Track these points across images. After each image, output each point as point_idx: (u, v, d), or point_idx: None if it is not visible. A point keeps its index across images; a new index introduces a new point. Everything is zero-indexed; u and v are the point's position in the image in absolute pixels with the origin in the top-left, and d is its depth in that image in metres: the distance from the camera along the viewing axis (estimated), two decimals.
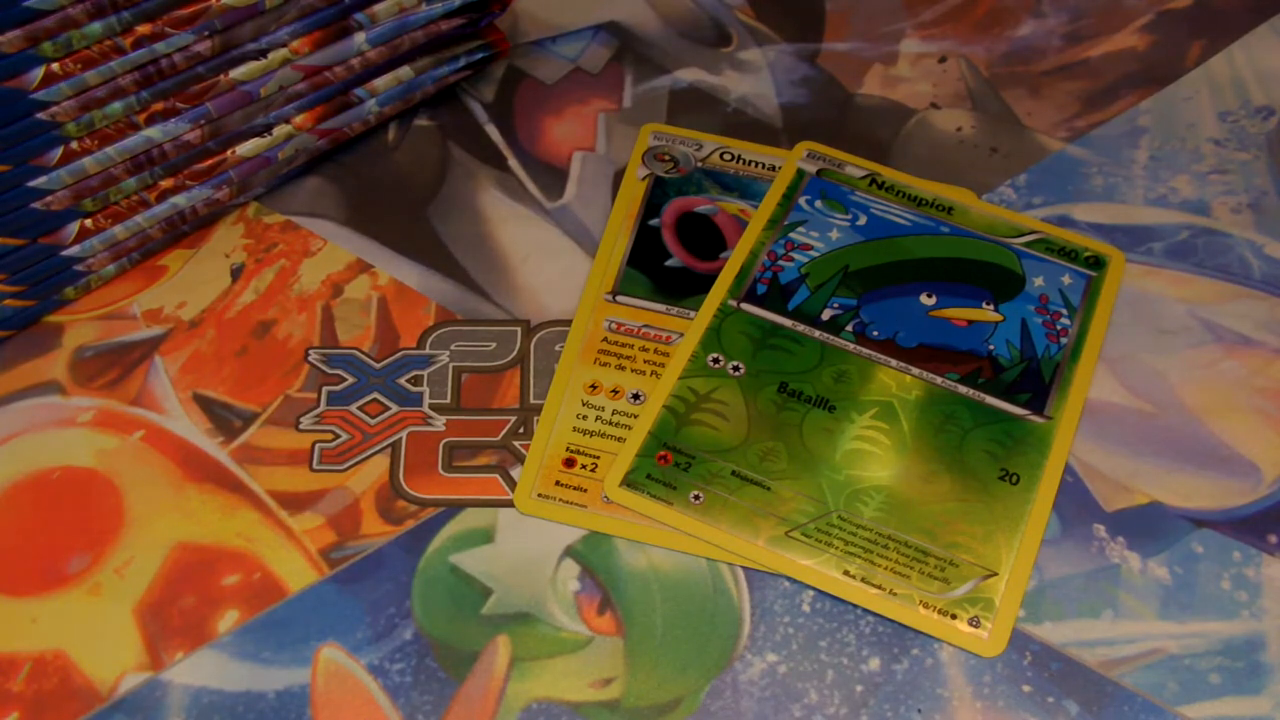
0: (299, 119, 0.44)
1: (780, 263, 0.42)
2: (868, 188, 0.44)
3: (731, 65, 0.50)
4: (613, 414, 0.40)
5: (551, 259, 0.44)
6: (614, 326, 0.42)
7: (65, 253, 0.41)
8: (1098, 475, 0.39)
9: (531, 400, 0.40)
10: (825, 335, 0.41)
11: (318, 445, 0.40)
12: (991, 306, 0.42)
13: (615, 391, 0.40)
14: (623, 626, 0.36)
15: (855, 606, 0.37)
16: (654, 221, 0.44)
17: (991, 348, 0.41)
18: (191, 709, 0.35)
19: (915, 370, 0.40)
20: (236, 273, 0.44)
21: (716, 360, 0.40)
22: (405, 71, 0.46)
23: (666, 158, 0.46)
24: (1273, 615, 0.37)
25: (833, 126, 0.47)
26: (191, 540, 0.38)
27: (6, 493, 0.39)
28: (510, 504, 0.38)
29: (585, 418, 0.40)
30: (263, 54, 0.41)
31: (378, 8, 0.43)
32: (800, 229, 0.43)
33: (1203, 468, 0.39)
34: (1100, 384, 0.41)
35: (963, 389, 0.40)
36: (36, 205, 0.39)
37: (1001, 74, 0.49)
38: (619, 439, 0.39)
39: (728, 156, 0.46)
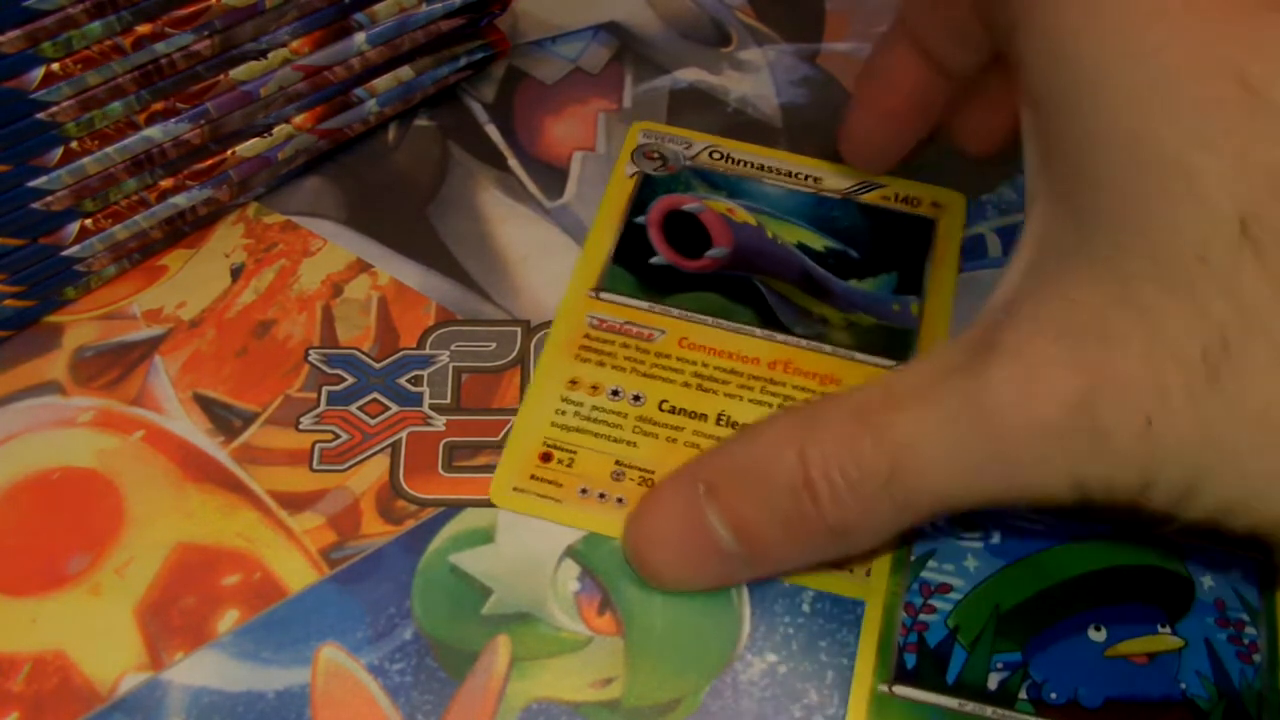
0: (299, 119, 0.44)
1: (922, 616, 0.35)
2: None
3: (731, 65, 0.50)
4: (591, 409, 0.40)
5: (551, 259, 0.44)
6: (596, 323, 0.42)
7: (65, 253, 0.41)
8: None
9: None
10: (999, 712, 0.33)
11: (318, 445, 0.40)
12: (1168, 629, 0.34)
13: (595, 388, 0.40)
14: (623, 626, 0.36)
15: (856, 605, 0.36)
16: (640, 219, 0.44)
17: (1184, 686, 0.33)
18: (191, 709, 0.35)
19: None
20: (236, 273, 0.44)
21: None
22: (405, 71, 0.46)
23: (655, 155, 0.46)
24: None
25: (833, 127, 0.47)
26: (192, 540, 0.38)
27: (6, 493, 0.39)
28: (488, 500, 0.38)
29: (564, 413, 0.40)
30: (263, 54, 0.41)
31: (378, 8, 0.43)
32: (931, 563, 0.35)
33: None
34: None
35: None
36: (37, 205, 0.39)
37: None
38: (596, 434, 0.39)
39: (717, 155, 0.46)
